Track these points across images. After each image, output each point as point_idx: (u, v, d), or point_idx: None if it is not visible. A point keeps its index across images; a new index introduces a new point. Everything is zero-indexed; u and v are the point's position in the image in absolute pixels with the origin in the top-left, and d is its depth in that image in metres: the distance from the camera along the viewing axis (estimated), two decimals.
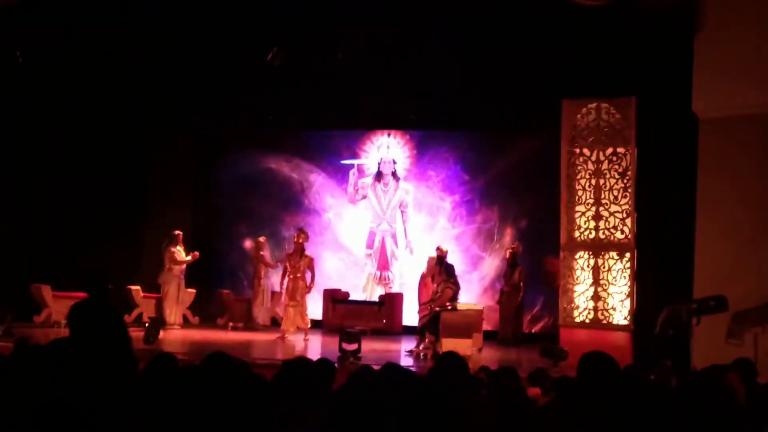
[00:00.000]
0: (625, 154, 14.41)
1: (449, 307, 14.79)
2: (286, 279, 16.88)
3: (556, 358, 13.26)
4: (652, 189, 14.48)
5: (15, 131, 17.76)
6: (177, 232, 17.94)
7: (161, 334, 15.52)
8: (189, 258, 17.90)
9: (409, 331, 17.13)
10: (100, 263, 17.87)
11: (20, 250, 17.96)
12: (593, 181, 14.62)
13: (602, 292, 14.43)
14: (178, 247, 17.86)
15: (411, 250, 19.48)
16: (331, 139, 20.20)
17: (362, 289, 19.71)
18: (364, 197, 19.97)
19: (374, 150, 20.00)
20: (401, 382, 5.01)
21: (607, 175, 14.53)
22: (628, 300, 14.24)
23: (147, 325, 15.41)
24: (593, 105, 14.68)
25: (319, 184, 20.28)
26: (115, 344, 7.75)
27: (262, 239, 18.66)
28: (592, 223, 14.58)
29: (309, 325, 16.83)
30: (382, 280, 19.72)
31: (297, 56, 16.75)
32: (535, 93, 16.28)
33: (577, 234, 14.72)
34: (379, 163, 19.89)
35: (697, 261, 13.45)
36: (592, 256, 14.58)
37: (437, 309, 14.73)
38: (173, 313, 17.76)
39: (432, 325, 14.84)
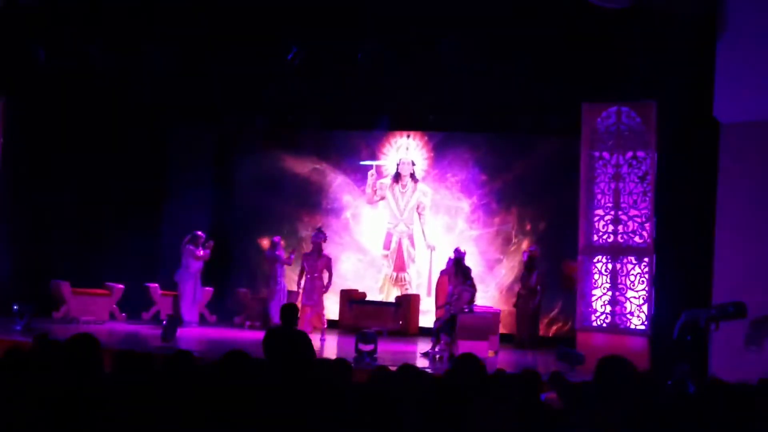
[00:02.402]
0: (645, 158, 14.37)
1: (466, 310, 14.78)
2: (304, 279, 16.95)
3: (573, 363, 13.24)
4: (672, 193, 14.41)
5: (35, 128, 17.82)
6: (200, 233, 18.01)
7: (178, 331, 15.54)
8: (207, 251, 17.92)
9: (425, 332, 17.12)
10: (118, 260, 18.08)
11: (40, 247, 18.04)
12: (612, 185, 14.58)
13: (620, 297, 14.39)
14: (198, 248, 17.92)
15: (432, 247, 19.38)
16: (350, 140, 20.20)
17: (379, 289, 19.70)
18: (383, 198, 19.95)
19: (393, 151, 19.99)
20: (417, 384, 5.00)
21: (627, 179, 14.49)
22: (646, 305, 14.19)
23: (164, 322, 15.45)
24: (613, 108, 14.64)
25: (337, 184, 20.28)
26: (304, 361, 8.84)
27: (277, 238, 18.66)
28: (611, 227, 14.54)
29: (325, 325, 16.86)
30: (399, 282, 19.70)
31: (317, 56, 16.77)
32: (555, 95, 16.26)
33: (595, 238, 14.68)
34: (397, 165, 19.87)
35: (716, 266, 13.39)
36: (610, 260, 14.54)
37: (454, 312, 14.73)
38: (190, 311, 17.78)
39: (448, 327, 14.82)
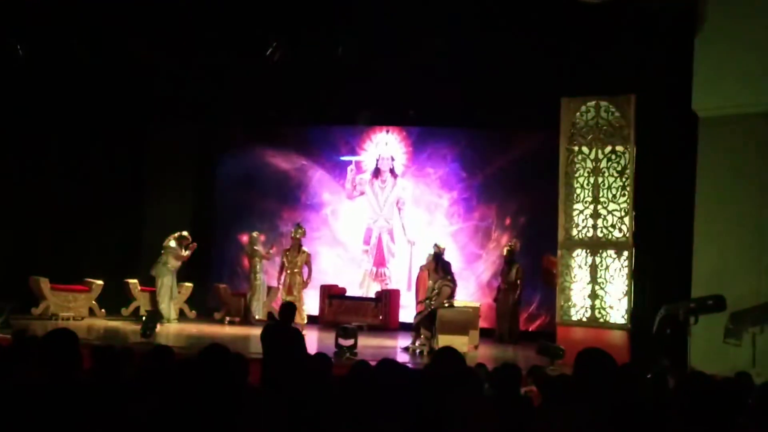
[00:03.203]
0: (624, 153, 14.39)
1: (446, 305, 14.78)
2: (284, 274, 16.94)
3: (553, 357, 13.25)
4: (651, 187, 14.47)
5: (14, 123, 17.71)
6: (186, 234, 17.98)
7: (158, 327, 15.49)
8: (188, 252, 17.94)
9: (406, 327, 17.12)
10: (98, 256, 18.02)
11: (19, 243, 17.95)
12: (592, 179, 14.60)
13: (600, 291, 14.42)
14: (184, 248, 17.91)
15: (412, 242, 19.42)
16: (329, 135, 20.17)
17: (359, 285, 19.70)
18: (362, 193, 19.95)
19: (372, 146, 19.98)
20: (397, 378, 5.00)
21: (606, 174, 14.51)
22: (626, 298, 14.22)
23: (144, 318, 15.40)
24: (592, 103, 14.66)
25: (317, 179, 20.25)
26: (297, 354, 9.60)
27: (256, 234, 18.65)
28: (590, 221, 14.57)
29: (305, 321, 16.86)
30: (379, 277, 19.71)
31: (297, 52, 16.73)
32: (534, 90, 16.26)
33: (575, 232, 14.71)
34: (377, 160, 19.87)
35: (695, 260, 13.45)
36: (589, 254, 14.57)
37: (435, 307, 14.73)
38: (168, 307, 17.72)
39: (428, 321, 14.83)
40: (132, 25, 16.26)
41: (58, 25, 16.23)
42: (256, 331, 16.83)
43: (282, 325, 10.28)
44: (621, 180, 14.38)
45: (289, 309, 10.48)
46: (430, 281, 15.28)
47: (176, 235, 17.95)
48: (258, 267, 18.33)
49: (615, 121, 14.48)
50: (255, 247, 18.35)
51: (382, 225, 19.82)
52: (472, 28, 15.45)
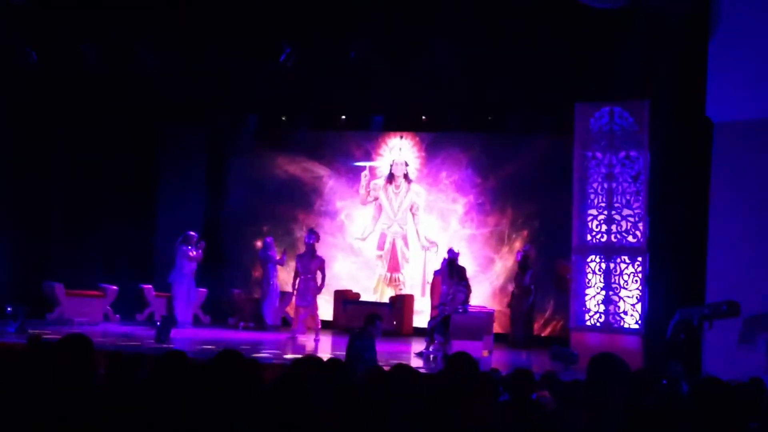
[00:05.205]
0: (637, 158, 14.39)
1: (460, 311, 14.78)
2: (298, 280, 16.93)
3: (567, 362, 13.25)
4: (665, 193, 14.44)
5: (27, 129, 17.79)
6: (191, 233, 17.98)
7: (172, 332, 15.53)
8: (198, 251, 17.91)
9: (419, 332, 17.11)
10: (112, 262, 18.07)
11: (33, 249, 18.01)
12: (606, 185, 14.60)
13: (614, 296, 14.41)
14: (191, 248, 17.91)
15: (426, 247, 19.40)
16: (343, 140, 20.17)
17: (373, 290, 19.69)
18: (376, 199, 19.93)
19: (386, 152, 19.96)
20: (411, 383, 5.00)
21: (620, 179, 14.50)
22: (640, 304, 14.22)
23: (158, 323, 15.44)
24: (606, 108, 14.66)
25: (330, 185, 20.24)
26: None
27: (269, 239, 18.66)
28: (605, 227, 14.56)
29: (319, 326, 16.85)
30: (393, 282, 19.69)
31: (310, 56, 16.75)
32: (548, 96, 16.26)
33: (589, 237, 14.70)
34: (390, 165, 19.84)
35: (709, 265, 13.42)
36: (603, 260, 14.56)
37: (449, 312, 14.72)
38: (183, 312, 17.74)
39: (442, 326, 14.82)
40: (143, 26, 16.30)
41: (69, 28, 16.29)
42: (270, 337, 17.01)
43: (364, 330, 11.48)
44: (635, 185, 14.38)
45: (371, 318, 11.75)
46: (444, 286, 15.26)
47: (181, 237, 17.95)
48: (271, 272, 18.34)
49: (629, 126, 14.48)
50: (268, 252, 18.36)
51: (396, 230, 19.80)
52: (486, 32, 15.44)
